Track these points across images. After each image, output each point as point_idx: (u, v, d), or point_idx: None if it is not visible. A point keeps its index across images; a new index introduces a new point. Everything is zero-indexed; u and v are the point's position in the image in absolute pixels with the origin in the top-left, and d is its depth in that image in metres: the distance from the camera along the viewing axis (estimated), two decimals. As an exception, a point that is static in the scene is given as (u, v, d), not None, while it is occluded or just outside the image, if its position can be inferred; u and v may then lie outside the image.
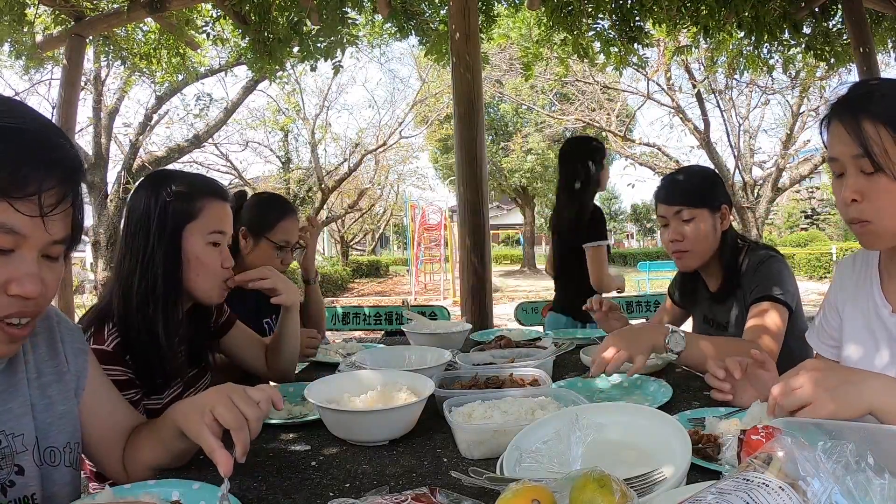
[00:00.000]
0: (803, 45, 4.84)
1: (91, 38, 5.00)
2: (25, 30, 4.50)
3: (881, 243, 1.07)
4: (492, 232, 7.56)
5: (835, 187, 1.07)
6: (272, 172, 17.90)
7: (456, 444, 1.11)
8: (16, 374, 0.91)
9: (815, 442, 0.62)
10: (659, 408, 1.15)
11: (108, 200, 9.05)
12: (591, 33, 4.86)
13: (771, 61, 5.48)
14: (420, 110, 17.58)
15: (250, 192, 2.30)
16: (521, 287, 17.36)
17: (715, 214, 1.73)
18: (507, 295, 14.48)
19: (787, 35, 4.52)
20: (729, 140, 12.94)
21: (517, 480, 0.72)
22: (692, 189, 1.75)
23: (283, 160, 17.15)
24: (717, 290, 1.80)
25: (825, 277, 15.71)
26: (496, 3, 5.17)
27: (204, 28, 5.21)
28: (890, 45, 5.22)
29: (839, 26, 4.69)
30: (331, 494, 0.94)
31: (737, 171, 12.85)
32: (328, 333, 3.18)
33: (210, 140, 12.36)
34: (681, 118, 12.86)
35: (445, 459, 1.08)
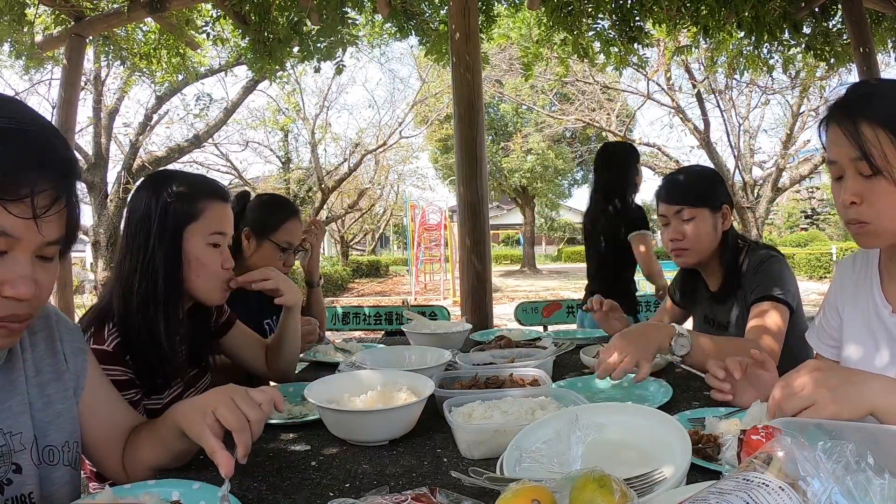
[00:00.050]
0: (803, 45, 4.84)
1: (91, 38, 5.00)
2: (25, 30, 4.50)
3: (879, 242, 1.07)
4: (492, 232, 7.56)
5: (834, 190, 1.07)
6: (272, 172, 17.90)
7: (456, 444, 1.11)
8: (14, 371, 0.91)
9: (815, 442, 0.62)
10: (659, 408, 1.15)
11: (108, 200, 9.05)
12: (591, 33, 4.85)
13: (771, 61, 5.48)
14: (420, 110, 17.58)
15: (253, 193, 2.30)
16: (521, 287, 17.37)
17: (716, 214, 1.73)
18: (507, 295, 14.48)
19: (787, 35, 4.52)
20: (729, 140, 12.95)
21: (517, 480, 0.72)
22: (693, 188, 1.75)
23: (283, 160, 17.15)
24: (718, 290, 1.80)
25: (825, 277, 15.71)
26: (496, 3, 5.17)
27: (204, 28, 5.21)
28: (890, 45, 5.22)
29: (839, 26, 4.68)
30: (331, 494, 0.94)
31: (737, 171, 12.85)
32: (328, 333, 3.18)
33: (210, 140, 12.35)
34: (681, 118, 12.87)
35: (445, 459, 1.08)
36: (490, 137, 21.65)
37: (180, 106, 14.91)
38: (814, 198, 31.54)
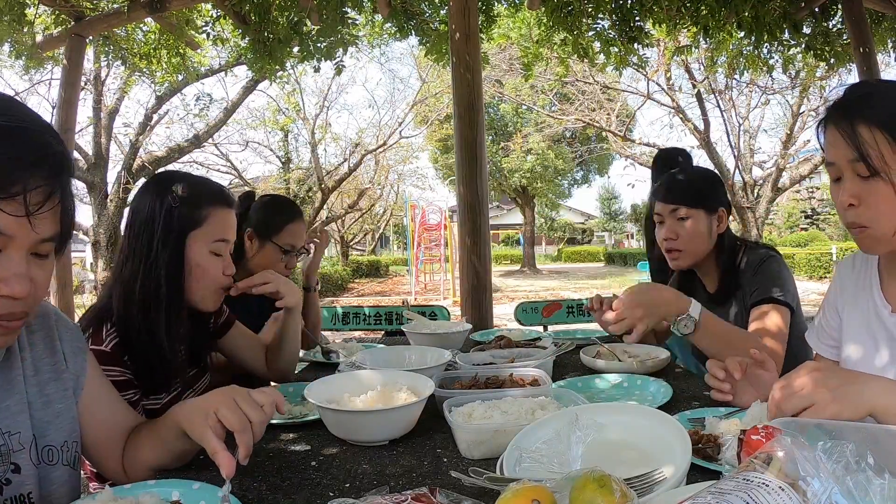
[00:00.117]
0: (803, 45, 4.84)
1: (91, 38, 5.00)
2: (25, 30, 4.50)
3: (880, 247, 1.06)
4: (492, 232, 7.56)
5: (833, 191, 1.07)
6: (272, 172, 17.90)
7: (456, 444, 1.11)
8: (12, 370, 0.91)
9: (815, 442, 0.62)
10: (659, 408, 1.15)
11: (108, 200, 9.05)
12: (591, 33, 4.85)
13: (771, 61, 5.48)
14: (420, 110, 17.58)
15: (258, 194, 2.29)
16: (521, 287, 17.37)
17: (711, 216, 1.73)
18: (507, 295, 14.48)
19: (787, 35, 4.52)
20: (729, 140, 12.94)
21: (517, 480, 0.72)
22: (690, 188, 1.75)
23: (283, 160, 17.15)
24: (716, 292, 1.80)
25: (825, 277, 15.70)
26: (496, 3, 5.17)
27: (204, 28, 5.21)
28: (890, 45, 5.22)
29: (839, 26, 4.68)
30: (331, 494, 0.94)
31: (737, 171, 12.85)
32: (328, 333, 3.19)
33: (210, 140, 12.36)
34: (681, 118, 12.87)
35: (445, 459, 1.08)
36: (490, 137, 21.66)
37: (180, 106, 14.93)
38: (814, 198, 31.55)
